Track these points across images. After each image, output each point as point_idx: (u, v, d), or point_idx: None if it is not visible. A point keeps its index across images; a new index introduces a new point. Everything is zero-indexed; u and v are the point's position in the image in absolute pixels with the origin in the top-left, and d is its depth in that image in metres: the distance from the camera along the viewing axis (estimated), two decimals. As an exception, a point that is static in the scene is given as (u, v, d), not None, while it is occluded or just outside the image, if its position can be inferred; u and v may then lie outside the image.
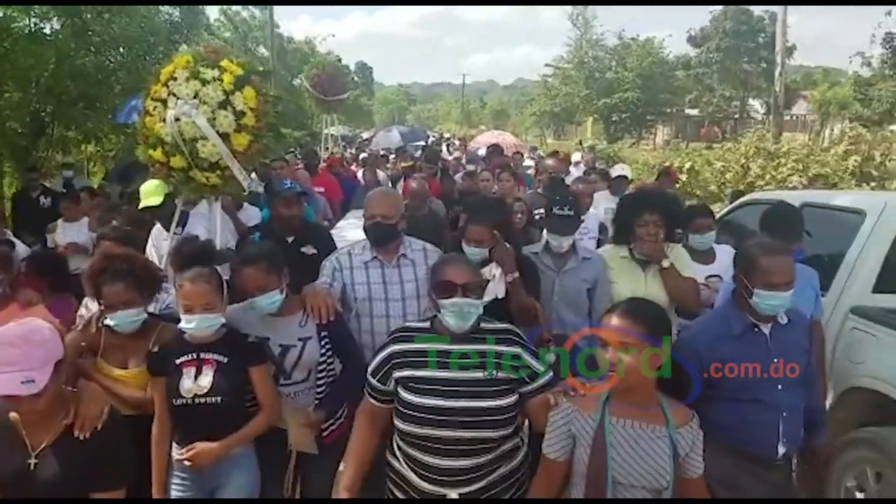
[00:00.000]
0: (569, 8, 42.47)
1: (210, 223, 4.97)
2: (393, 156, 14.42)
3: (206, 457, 2.82)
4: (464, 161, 13.45)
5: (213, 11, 27.91)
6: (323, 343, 3.09)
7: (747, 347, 2.76)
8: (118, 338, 3.06)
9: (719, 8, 38.86)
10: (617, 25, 54.78)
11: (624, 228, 3.93)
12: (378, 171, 11.50)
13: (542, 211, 5.76)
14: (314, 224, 5.56)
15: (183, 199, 5.06)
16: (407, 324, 2.75)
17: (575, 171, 10.37)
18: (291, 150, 17.53)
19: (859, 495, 3.60)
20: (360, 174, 11.20)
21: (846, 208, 4.41)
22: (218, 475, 2.92)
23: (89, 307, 3.48)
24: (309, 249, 4.53)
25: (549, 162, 8.73)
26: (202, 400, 2.82)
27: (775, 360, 2.74)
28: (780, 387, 2.74)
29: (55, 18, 10.17)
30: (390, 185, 10.74)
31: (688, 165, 12.71)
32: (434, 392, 2.43)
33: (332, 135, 20.70)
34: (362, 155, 16.65)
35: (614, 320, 2.26)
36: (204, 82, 4.25)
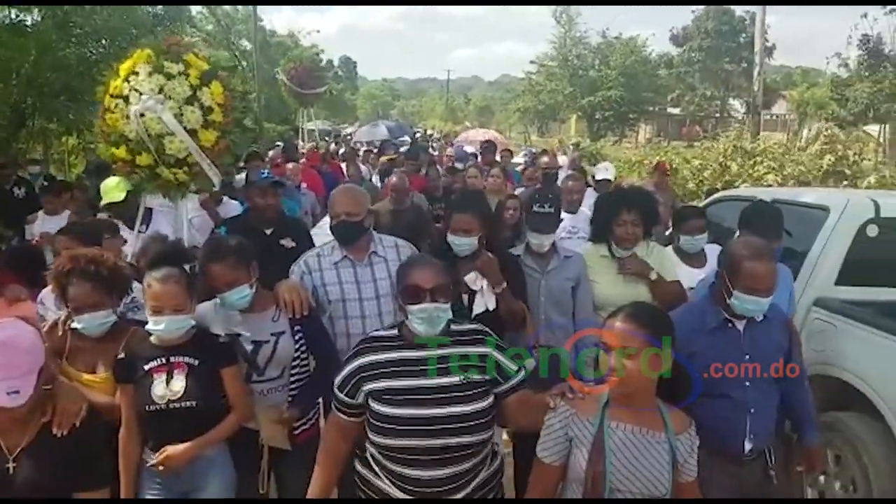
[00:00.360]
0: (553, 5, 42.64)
1: (176, 221, 4.85)
2: (374, 150, 14.41)
3: (178, 459, 2.74)
4: (452, 156, 13.40)
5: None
6: (297, 338, 3.00)
7: (719, 343, 2.76)
8: (85, 341, 2.91)
9: (701, 7, 39.22)
10: (601, 23, 55.23)
11: (602, 227, 3.91)
12: (362, 165, 11.52)
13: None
14: (292, 217, 5.40)
15: (148, 196, 4.90)
16: (373, 333, 2.61)
17: (561, 174, 10.43)
18: (277, 143, 17.51)
19: (820, 478, 3.77)
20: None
21: (812, 205, 4.56)
22: (193, 478, 2.84)
23: (45, 303, 3.39)
24: (288, 242, 4.42)
25: (545, 159, 8.64)
26: (176, 405, 2.74)
27: (746, 357, 2.75)
28: (747, 384, 2.74)
29: (36, 10, 10.13)
30: (374, 179, 10.81)
31: (655, 161, 12.85)
32: (410, 402, 2.33)
33: (310, 130, 20.55)
34: (341, 150, 16.58)
35: (618, 324, 2.20)
36: (169, 77, 4.15)
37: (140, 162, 4.25)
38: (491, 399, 2.39)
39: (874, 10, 24.20)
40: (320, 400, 3.27)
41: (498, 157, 11.39)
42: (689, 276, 4.05)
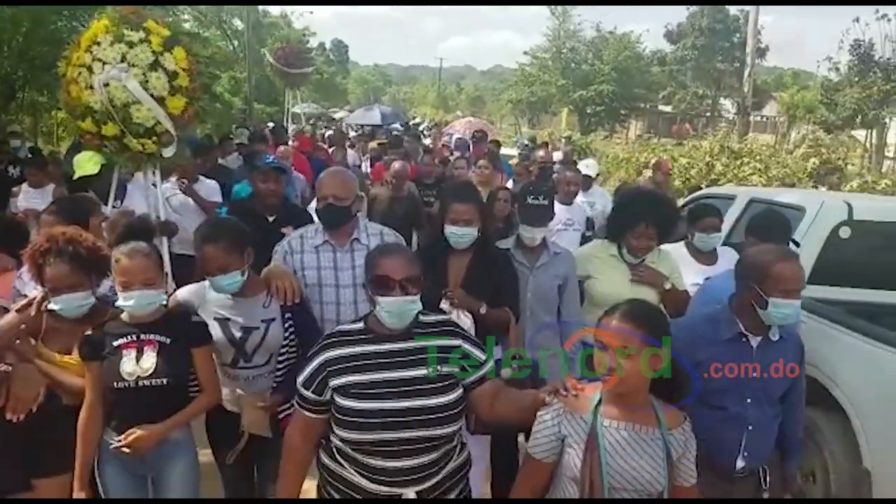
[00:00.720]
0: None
1: (149, 197, 4.80)
2: (357, 133, 14.30)
3: (147, 441, 2.67)
4: (448, 145, 13.32)
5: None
6: (286, 326, 2.94)
7: (729, 354, 2.69)
8: (62, 322, 2.84)
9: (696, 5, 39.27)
10: (596, 17, 55.24)
11: (618, 231, 3.84)
12: (350, 151, 11.49)
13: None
14: (296, 205, 5.24)
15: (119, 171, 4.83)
16: (338, 327, 2.53)
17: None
18: (266, 125, 17.48)
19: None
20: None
21: (788, 205, 4.68)
22: (156, 461, 2.77)
23: (24, 278, 3.27)
24: (289, 230, 4.12)
25: (540, 153, 8.51)
26: (146, 382, 2.67)
27: (754, 375, 2.69)
28: (749, 400, 2.71)
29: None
30: (364, 166, 10.81)
31: (653, 161, 13.00)
32: (378, 395, 2.28)
33: (295, 112, 20.37)
34: (327, 133, 16.45)
35: (615, 323, 2.16)
36: (130, 45, 4.06)
37: (106, 132, 4.18)
38: (460, 391, 2.36)
39: (866, 15, 24.46)
40: None
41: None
42: (699, 273, 4.11)
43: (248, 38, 24.77)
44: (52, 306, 2.79)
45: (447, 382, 2.34)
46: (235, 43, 29.05)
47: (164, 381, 2.69)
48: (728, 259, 4.25)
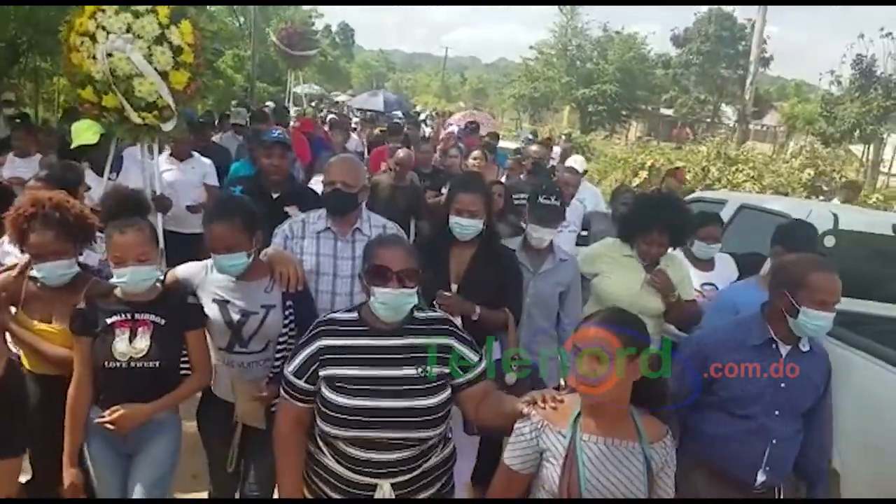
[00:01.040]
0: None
1: (145, 171, 4.71)
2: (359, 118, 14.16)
3: (133, 419, 2.64)
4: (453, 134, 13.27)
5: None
6: (287, 314, 2.85)
7: (756, 361, 2.63)
8: (43, 289, 2.80)
9: (704, 9, 39.30)
10: (604, 16, 55.32)
11: (631, 233, 3.80)
12: (354, 136, 11.40)
13: (523, 196, 5.50)
14: (302, 184, 5.05)
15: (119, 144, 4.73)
16: (332, 315, 2.45)
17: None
18: (266, 105, 17.45)
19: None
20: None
21: (777, 212, 4.76)
22: (140, 439, 2.74)
23: (5, 248, 3.21)
24: (293, 210, 3.97)
25: (534, 148, 8.41)
26: (138, 364, 2.64)
27: (782, 385, 2.62)
28: (776, 412, 2.63)
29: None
30: (364, 149, 10.78)
31: (649, 163, 13.14)
32: (363, 392, 2.23)
33: (296, 93, 20.30)
34: (330, 116, 16.41)
35: (595, 329, 2.08)
36: (137, 15, 3.96)
37: (106, 103, 4.10)
38: (447, 393, 2.32)
39: (871, 31, 24.51)
40: None
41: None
42: (697, 279, 4.13)
43: (255, 15, 24.68)
44: (34, 273, 2.73)
45: (436, 384, 2.30)
46: (242, 19, 28.93)
47: (157, 363, 2.66)
48: (724, 265, 4.41)
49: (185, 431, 2.98)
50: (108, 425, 2.62)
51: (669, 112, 43.20)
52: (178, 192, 5.54)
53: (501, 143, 12.32)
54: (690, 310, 3.80)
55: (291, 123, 10.50)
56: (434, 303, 3.16)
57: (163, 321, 2.70)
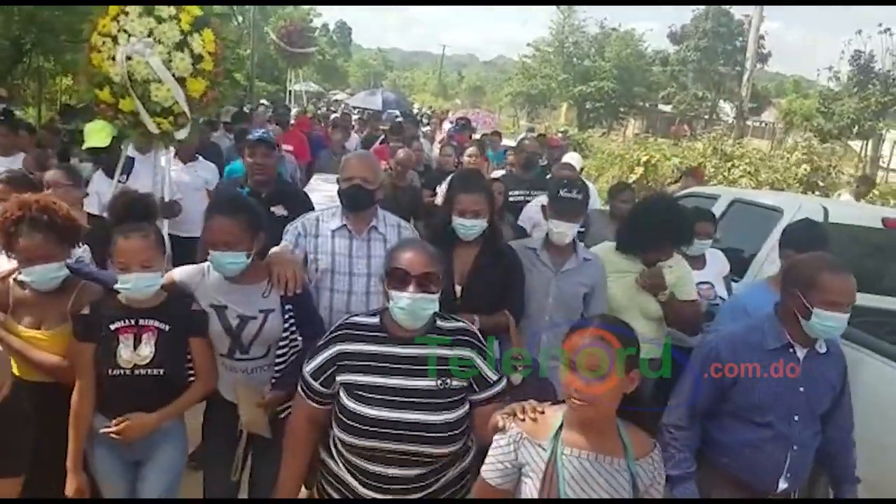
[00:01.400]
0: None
1: (156, 174, 4.66)
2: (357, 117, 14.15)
3: (140, 429, 2.61)
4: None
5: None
6: (287, 317, 2.78)
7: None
8: (32, 295, 2.73)
9: (702, 7, 39.31)
10: (601, 13, 55.37)
11: (635, 245, 3.72)
12: (354, 134, 11.36)
13: (517, 192, 5.63)
14: (291, 183, 4.96)
15: (131, 145, 4.71)
16: (353, 318, 2.40)
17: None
18: (262, 102, 17.48)
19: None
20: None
21: (768, 206, 4.83)
22: (145, 448, 2.72)
23: None
24: (280, 210, 3.99)
25: (527, 142, 8.03)
26: (143, 371, 2.60)
27: (801, 389, 2.56)
28: (796, 418, 2.57)
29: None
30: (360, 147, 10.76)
31: (645, 159, 13.20)
32: (381, 402, 2.18)
33: (296, 91, 20.22)
34: (333, 115, 16.45)
35: (589, 341, 1.95)
36: (160, 20, 3.96)
37: (123, 107, 4.09)
38: (465, 408, 2.25)
39: (868, 28, 24.55)
40: None
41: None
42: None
43: (254, 14, 24.71)
44: (23, 277, 2.67)
45: (454, 398, 2.23)
46: (240, 18, 28.96)
47: (161, 370, 2.63)
48: (715, 261, 4.41)
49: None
50: (114, 435, 2.58)
51: (667, 109, 43.25)
52: (180, 194, 5.46)
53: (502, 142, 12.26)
54: (686, 310, 3.70)
55: (290, 122, 10.47)
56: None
57: (167, 327, 2.66)
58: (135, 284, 2.57)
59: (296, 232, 3.24)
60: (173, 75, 3.99)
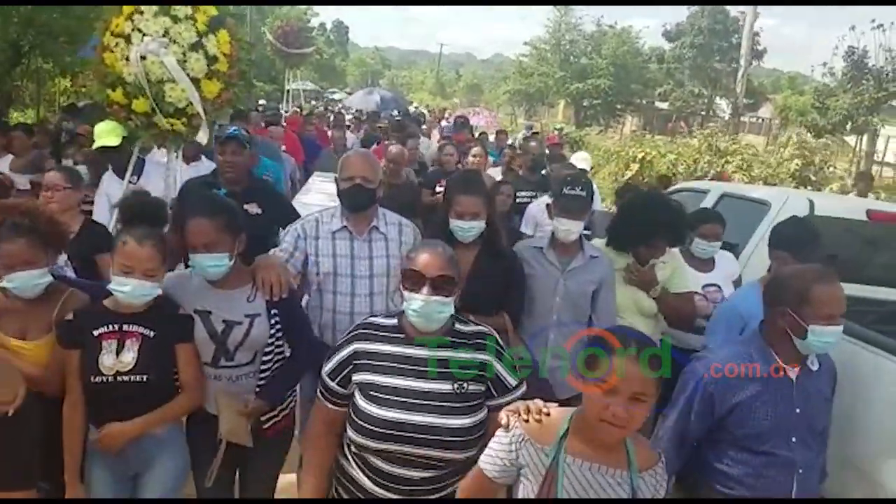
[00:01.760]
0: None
1: (168, 175, 4.59)
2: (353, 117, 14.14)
3: (118, 438, 2.51)
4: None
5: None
6: (273, 322, 2.71)
7: (767, 393, 2.43)
8: (14, 303, 2.60)
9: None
10: (597, 12, 55.31)
11: (627, 241, 3.69)
12: (350, 134, 11.37)
13: (523, 194, 5.59)
14: (264, 181, 4.86)
15: (140, 145, 4.65)
16: (372, 318, 2.37)
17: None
18: (261, 103, 17.59)
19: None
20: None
21: (756, 199, 4.98)
22: (142, 459, 2.63)
23: None
24: (253, 208, 3.90)
25: (533, 144, 8.26)
26: (125, 378, 2.50)
27: (797, 410, 2.45)
28: (794, 440, 2.45)
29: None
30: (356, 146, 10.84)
31: (640, 156, 13.40)
32: (396, 404, 2.15)
33: (294, 90, 20.14)
34: (331, 114, 16.43)
35: (633, 367, 1.83)
36: (175, 20, 3.92)
37: (136, 108, 4.04)
38: (483, 413, 2.20)
39: (862, 24, 24.70)
40: (297, 388, 3.02)
41: (492, 138, 11.25)
42: (695, 281, 3.98)
43: (250, 15, 24.80)
44: (5, 284, 2.54)
45: (471, 403, 2.19)
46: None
47: (145, 377, 2.52)
48: (726, 263, 4.27)
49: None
50: (99, 444, 2.53)
51: (664, 106, 43.36)
52: None
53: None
54: (679, 304, 3.69)
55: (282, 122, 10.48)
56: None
57: (152, 333, 2.56)
58: (133, 291, 2.48)
59: (295, 234, 3.21)
60: (188, 75, 3.97)
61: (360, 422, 2.18)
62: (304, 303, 3.19)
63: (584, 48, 41.32)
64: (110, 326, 2.54)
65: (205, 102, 4.10)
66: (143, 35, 3.89)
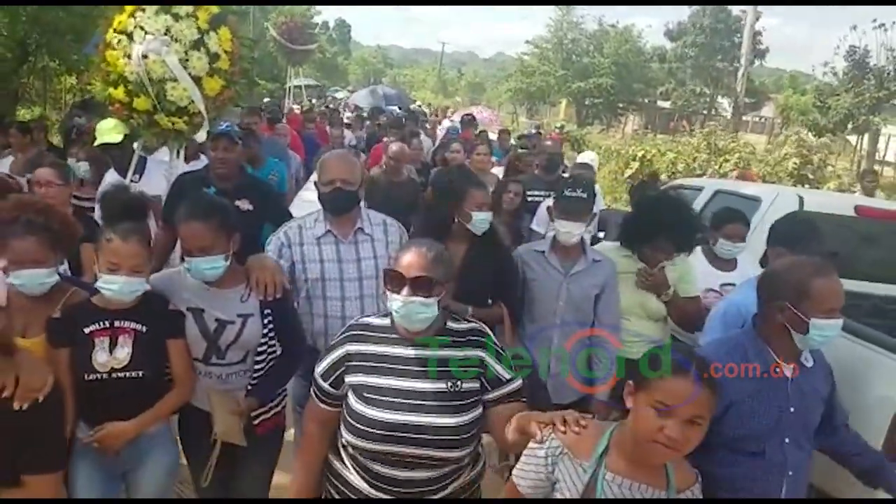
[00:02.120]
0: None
1: (171, 174, 4.55)
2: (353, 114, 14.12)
3: (118, 438, 2.51)
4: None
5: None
6: (265, 322, 2.72)
7: (763, 391, 2.35)
8: (19, 300, 2.57)
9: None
10: (599, 10, 55.63)
11: (635, 239, 3.65)
12: (348, 132, 11.22)
13: (536, 193, 5.49)
14: (254, 176, 4.81)
15: (143, 144, 4.67)
16: (365, 319, 2.36)
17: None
18: (265, 101, 17.64)
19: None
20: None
21: (748, 195, 5.10)
22: (132, 456, 2.62)
23: None
24: (244, 204, 3.87)
25: (548, 143, 8.14)
26: (120, 374, 2.50)
27: (791, 409, 2.36)
28: (787, 440, 2.37)
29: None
30: (356, 144, 10.88)
31: (640, 154, 13.54)
32: (390, 405, 2.13)
33: (296, 86, 20.03)
34: (344, 116, 16.27)
35: (689, 385, 1.80)
36: (176, 18, 3.94)
37: (138, 106, 4.05)
38: (478, 411, 2.19)
39: (864, 23, 24.75)
40: (288, 386, 3.03)
41: (493, 136, 11.13)
42: (715, 279, 3.96)
43: (253, 14, 24.86)
44: (11, 280, 2.52)
45: (465, 401, 2.17)
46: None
47: (140, 373, 2.53)
48: (748, 265, 4.15)
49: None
50: (95, 444, 2.50)
51: (666, 105, 43.39)
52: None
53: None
54: (689, 308, 3.64)
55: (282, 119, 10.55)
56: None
57: (144, 328, 2.56)
58: (121, 288, 2.48)
59: (279, 243, 3.18)
60: (190, 74, 3.98)
61: (354, 423, 2.17)
62: None
63: (585, 47, 41.40)
64: (102, 323, 2.53)
65: (206, 100, 4.11)
66: (146, 32, 3.91)
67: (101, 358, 2.49)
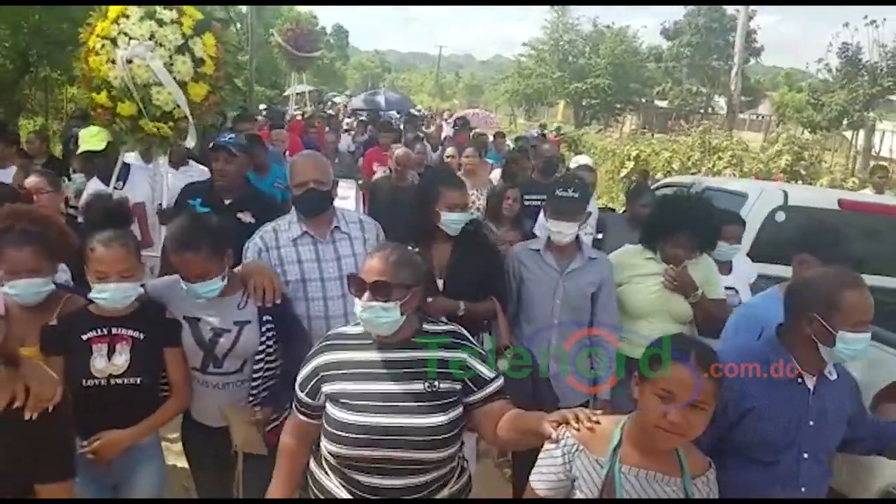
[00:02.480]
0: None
1: (154, 180, 4.56)
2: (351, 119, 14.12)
3: (115, 448, 2.51)
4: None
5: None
6: (265, 329, 2.70)
7: (782, 399, 2.30)
8: (15, 309, 2.50)
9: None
10: (594, 12, 55.85)
11: (656, 237, 3.61)
12: (345, 136, 11.34)
13: (534, 197, 5.39)
14: (258, 189, 4.69)
15: (129, 152, 4.62)
16: (341, 329, 2.37)
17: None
18: (264, 108, 17.80)
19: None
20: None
21: (734, 191, 5.35)
22: (123, 468, 2.62)
23: None
24: (246, 217, 3.83)
25: (546, 146, 7.94)
26: (118, 381, 2.50)
27: (811, 423, 2.31)
28: (805, 455, 2.32)
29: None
30: (354, 149, 10.88)
31: (635, 154, 13.77)
32: (367, 408, 2.12)
33: (297, 93, 20.10)
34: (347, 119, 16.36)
35: (691, 374, 1.85)
36: (161, 23, 3.91)
37: (121, 111, 4.01)
38: (458, 411, 2.18)
39: (855, 20, 24.94)
40: None
41: (491, 138, 11.16)
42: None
43: (252, 19, 25.01)
44: (6, 290, 2.47)
45: (444, 401, 2.16)
46: (238, 25, 29.30)
47: (138, 380, 2.53)
48: (743, 267, 4.30)
49: (169, 448, 2.99)
50: (90, 455, 2.48)
51: (663, 104, 43.57)
52: (172, 199, 5.23)
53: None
54: (716, 310, 3.58)
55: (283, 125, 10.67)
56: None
57: (142, 335, 2.57)
58: (113, 295, 2.49)
59: (256, 248, 3.15)
60: (174, 79, 3.96)
61: (333, 430, 2.16)
62: None
63: (581, 48, 41.65)
64: (99, 330, 2.53)
65: (192, 106, 4.09)
66: (130, 38, 3.89)
67: (99, 364, 2.50)
